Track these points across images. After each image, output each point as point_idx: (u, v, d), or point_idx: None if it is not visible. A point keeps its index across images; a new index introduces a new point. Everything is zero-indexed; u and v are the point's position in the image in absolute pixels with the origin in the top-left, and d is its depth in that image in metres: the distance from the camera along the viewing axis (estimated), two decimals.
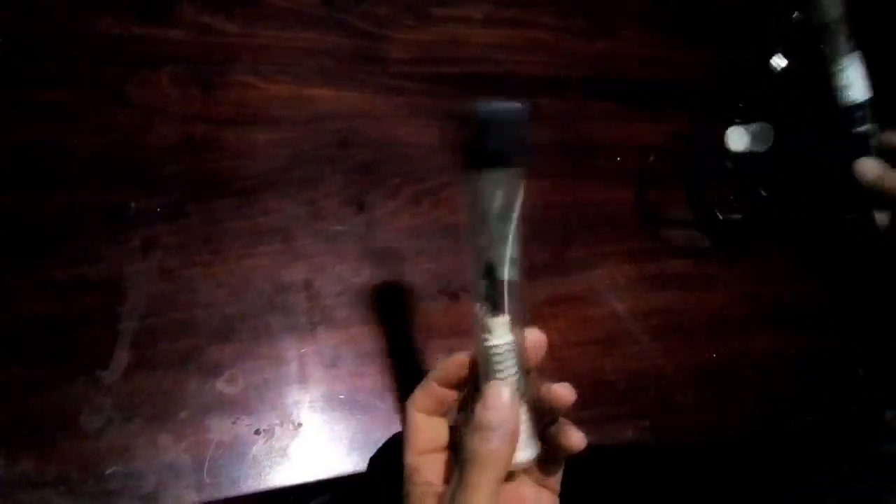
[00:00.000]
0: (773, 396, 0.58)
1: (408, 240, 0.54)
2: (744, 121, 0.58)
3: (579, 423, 0.50)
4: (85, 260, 0.46)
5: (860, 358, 0.62)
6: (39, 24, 0.53)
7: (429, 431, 0.34)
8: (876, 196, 0.46)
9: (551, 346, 0.53)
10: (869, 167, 0.46)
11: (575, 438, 0.35)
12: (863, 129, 0.45)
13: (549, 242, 0.58)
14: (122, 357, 0.44)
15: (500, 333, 0.32)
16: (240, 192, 0.52)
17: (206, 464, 0.43)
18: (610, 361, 0.55)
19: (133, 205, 0.49)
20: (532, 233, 0.58)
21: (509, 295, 0.32)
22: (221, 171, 0.52)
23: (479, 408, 0.32)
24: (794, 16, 0.60)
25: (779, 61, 0.60)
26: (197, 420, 0.44)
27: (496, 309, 0.32)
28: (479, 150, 0.30)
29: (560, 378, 0.51)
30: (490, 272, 0.31)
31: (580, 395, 0.51)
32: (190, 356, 0.46)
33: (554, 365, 0.53)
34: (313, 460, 0.46)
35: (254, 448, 0.45)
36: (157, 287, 0.47)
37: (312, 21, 0.61)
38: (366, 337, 0.50)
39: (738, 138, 0.58)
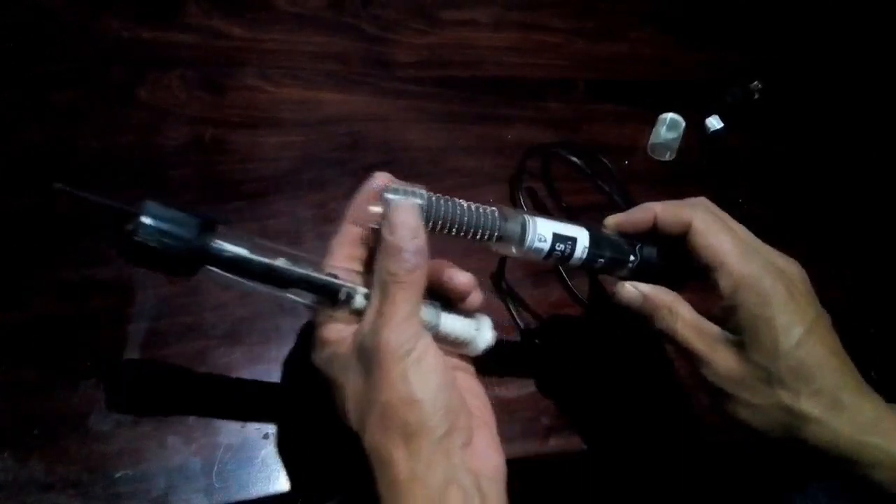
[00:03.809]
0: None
1: None
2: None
3: (596, 426, 0.50)
4: (94, 261, 0.46)
5: (872, 360, 0.61)
6: (49, 26, 0.53)
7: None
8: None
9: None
10: (631, 294, 0.40)
11: (460, 278, 0.37)
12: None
13: None
14: (131, 359, 0.44)
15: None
16: (248, 194, 0.52)
17: (216, 467, 0.43)
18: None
19: None
20: None
21: None
22: (230, 174, 0.52)
23: (385, 231, 0.33)
24: (753, 85, 0.69)
25: (714, 123, 0.66)
26: (206, 423, 0.44)
27: None
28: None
29: (577, 381, 0.51)
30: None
31: (595, 399, 0.51)
32: (199, 359, 0.46)
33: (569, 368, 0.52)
34: (322, 464, 0.45)
35: (263, 451, 0.44)
36: (167, 289, 0.47)
37: (320, 25, 0.61)
38: None
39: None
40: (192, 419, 0.44)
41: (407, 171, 0.56)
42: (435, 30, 0.64)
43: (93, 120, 0.51)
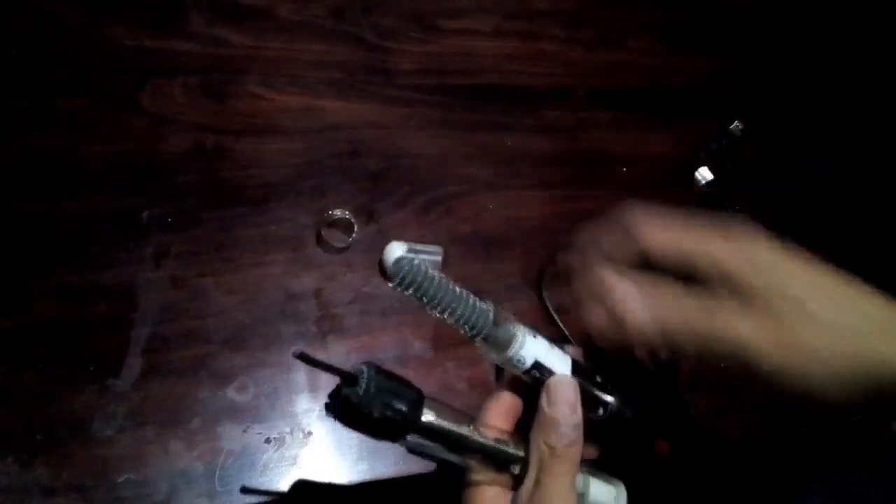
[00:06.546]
0: (779, 404, 0.58)
1: None
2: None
3: None
4: (98, 267, 0.47)
5: None
6: (53, 34, 0.53)
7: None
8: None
9: None
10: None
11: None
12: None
13: (554, 252, 0.58)
14: (134, 364, 0.45)
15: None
16: (251, 201, 0.52)
17: (218, 471, 0.43)
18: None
19: (145, 213, 0.49)
20: (539, 242, 0.59)
21: None
22: (233, 181, 0.53)
23: (544, 404, 0.34)
24: (733, 127, 0.68)
25: (704, 174, 0.66)
26: (208, 428, 0.44)
27: None
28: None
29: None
30: None
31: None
32: (201, 364, 0.46)
33: None
34: (323, 469, 0.46)
35: (264, 456, 0.45)
36: (169, 295, 0.47)
37: (322, 33, 0.61)
38: (375, 345, 0.50)
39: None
40: (194, 424, 0.44)
41: (407, 178, 0.57)
42: (435, 38, 0.64)
43: (96, 127, 0.52)
